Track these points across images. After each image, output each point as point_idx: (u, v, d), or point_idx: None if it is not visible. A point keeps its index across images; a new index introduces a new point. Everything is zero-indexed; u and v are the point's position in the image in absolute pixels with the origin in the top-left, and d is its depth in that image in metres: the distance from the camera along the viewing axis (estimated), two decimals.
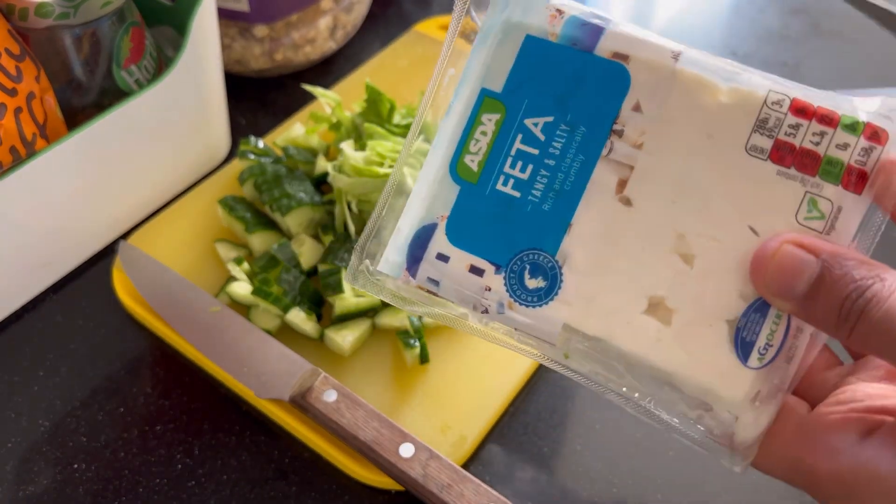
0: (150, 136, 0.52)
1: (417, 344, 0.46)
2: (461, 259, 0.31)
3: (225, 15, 0.61)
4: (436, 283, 0.31)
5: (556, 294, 0.30)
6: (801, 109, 0.29)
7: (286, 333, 0.48)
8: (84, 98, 0.51)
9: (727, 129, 0.30)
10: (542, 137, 0.31)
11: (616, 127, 0.30)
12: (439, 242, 0.31)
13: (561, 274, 0.30)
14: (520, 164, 0.31)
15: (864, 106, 0.30)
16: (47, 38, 0.48)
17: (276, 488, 0.43)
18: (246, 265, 0.50)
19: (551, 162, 0.30)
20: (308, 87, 0.58)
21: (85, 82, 0.50)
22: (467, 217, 0.31)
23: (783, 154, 0.29)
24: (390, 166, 0.50)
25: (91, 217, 0.52)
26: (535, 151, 0.31)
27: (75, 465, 0.44)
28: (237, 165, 0.56)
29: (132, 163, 0.52)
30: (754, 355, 0.29)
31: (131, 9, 0.51)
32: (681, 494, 0.43)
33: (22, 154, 0.45)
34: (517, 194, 0.31)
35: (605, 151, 0.30)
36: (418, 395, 0.46)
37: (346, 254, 0.48)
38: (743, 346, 0.29)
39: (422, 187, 0.32)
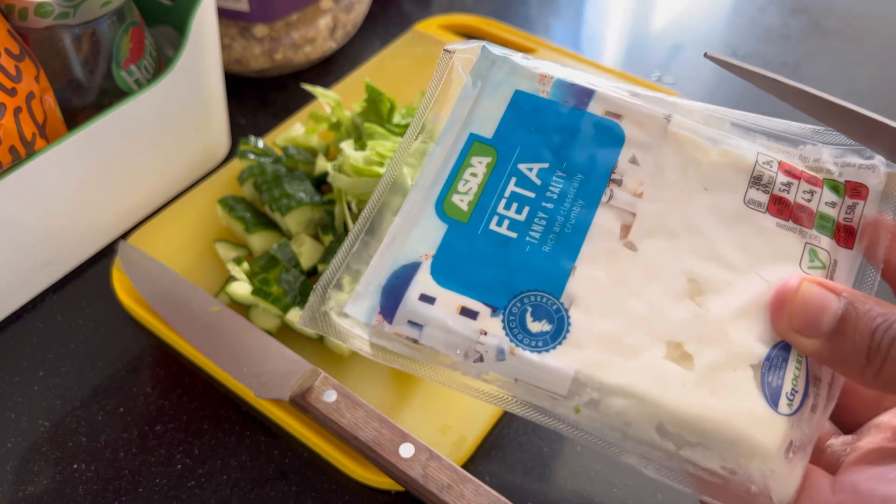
0: (149, 136, 0.52)
1: None
2: (450, 300, 0.28)
3: (225, 15, 0.61)
4: (418, 327, 0.28)
5: (565, 337, 0.28)
6: (789, 171, 0.31)
7: (286, 333, 0.48)
8: (84, 98, 0.51)
9: (724, 183, 0.30)
10: (537, 182, 0.30)
11: (615, 176, 0.30)
12: (423, 283, 0.29)
13: (568, 316, 0.28)
14: (515, 205, 0.30)
15: (825, 157, 0.31)
16: (47, 38, 0.48)
17: (276, 488, 0.43)
18: (246, 265, 0.50)
19: (549, 205, 0.30)
20: (308, 87, 0.58)
21: (85, 82, 0.50)
22: (457, 256, 0.29)
23: (780, 207, 0.30)
24: None
25: (91, 217, 0.52)
26: (532, 194, 0.30)
27: (75, 465, 0.44)
28: (237, 165, 0.56)
29: (132, 162, 0.52)
30: (783, 401, 0.28)
31: (131, 8, 0.51)
32: (681, 494, 0.43)
33: (22, 154, 0.45)
34: (513, 235, 0.29)
35: (605, 198, 0.30)
36: (418, 395, 0.46)
37: None
38: (770, 391, 0.28)
39: (399, 227, 0.30)
